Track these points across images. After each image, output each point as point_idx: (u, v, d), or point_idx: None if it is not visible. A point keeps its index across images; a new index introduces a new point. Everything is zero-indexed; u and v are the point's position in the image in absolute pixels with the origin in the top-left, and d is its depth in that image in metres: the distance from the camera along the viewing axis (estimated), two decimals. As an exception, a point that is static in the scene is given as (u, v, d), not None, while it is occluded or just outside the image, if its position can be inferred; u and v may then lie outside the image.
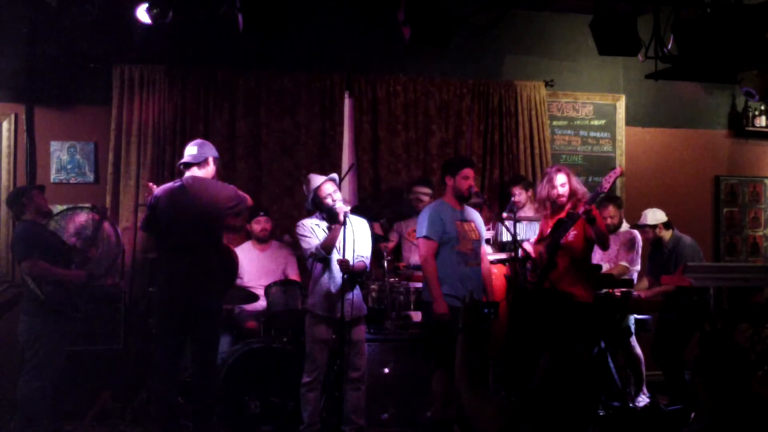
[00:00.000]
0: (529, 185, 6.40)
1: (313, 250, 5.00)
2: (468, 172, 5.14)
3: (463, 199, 5.16)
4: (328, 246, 4.98)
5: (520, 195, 6.26)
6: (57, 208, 5.79)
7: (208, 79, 6.51)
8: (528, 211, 6.25)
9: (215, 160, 5.09)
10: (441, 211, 5.11)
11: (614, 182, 5.16)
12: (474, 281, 5.07)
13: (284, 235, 6.37)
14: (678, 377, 5.82)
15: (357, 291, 5.14)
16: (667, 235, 6.07)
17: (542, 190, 5.31)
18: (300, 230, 5.12)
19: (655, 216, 6.09)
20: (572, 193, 5.20)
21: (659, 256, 6.10)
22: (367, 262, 5.19)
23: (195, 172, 5.00)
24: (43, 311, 5.07)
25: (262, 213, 6.20)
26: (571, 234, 5.11)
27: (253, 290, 5.94)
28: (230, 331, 5.83)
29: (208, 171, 5.04)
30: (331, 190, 5.06)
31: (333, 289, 5.01)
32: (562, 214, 5.22)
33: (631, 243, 6.13)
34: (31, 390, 5.06)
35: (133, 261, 6.22)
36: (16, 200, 5.32)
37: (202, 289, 4.81)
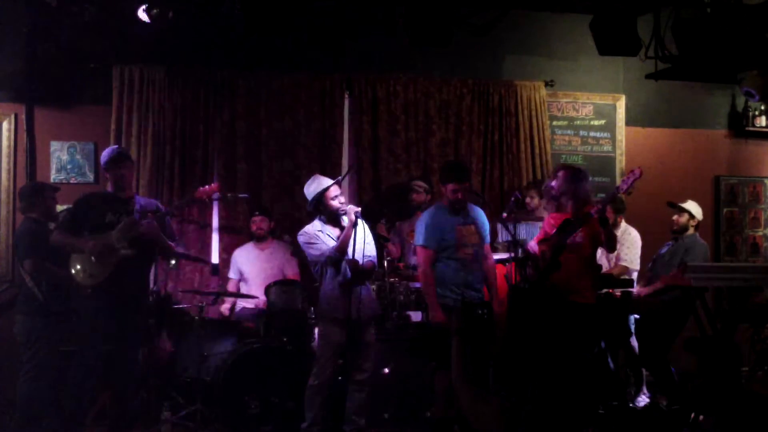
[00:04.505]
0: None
1: (328, 254, 4.94)
2: (454, 186, 5.06)
3: (456, 207, 5.13)
4: (343, 248, 4.91)
5: (532, 200, 6.25)
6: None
7: (208, 79, 6.51)
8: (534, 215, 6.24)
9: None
10: (439, 217, 5.08)
11: (632, 184, 5.03)
12: (475, 286, 5.06)
13: (284, 235, 6.36)
14: (666, 377, 5.80)
15: (368, 291, 5.13)
16: (692, 231, 6.06)
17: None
18: (305, 238, 5.04)
19: (698, 210, 6.06)
20: (569, 193, 5.20)
21: (668, 249, 6.07)
22: (375, 261, 5.20)
23: None
24: (41, 312, 5.09)
25: (257, 212, 6.22)
26: (579, 235, 5.10)
27: (254, 290, 5.95)
28: (230, 330, 5.83)
29: None
30: (338, 193, 5.06)
31: (345, 291, 4.95)
32: (569, 214, 5.20)
33: (630, 243, 6.13)
34: (30, 390, 5.08)
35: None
36: (30, 196, 5.31)
37: None
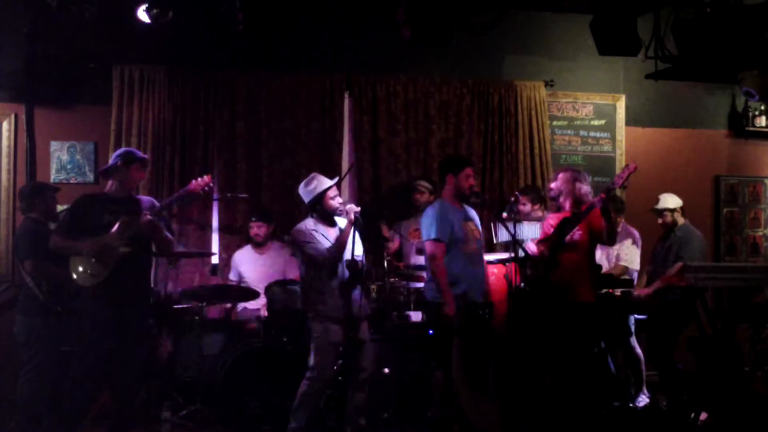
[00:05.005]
0: (540, 199, 6.32)
1: (326, 254, 4.94)
2: (470, 171, 5.13)
3: (464, 198, 5.14)
4: (342, 248, 4.92)
5: (525, 206, 6.25)
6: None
7: (208, 79, 6.51)
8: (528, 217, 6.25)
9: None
10: (447, 211, 5.06)
11: (627, 178, 5.09)
12: (480, 281, 5.06)
13: (284, 236, 6.36)
14: (671, 377, 5.81)
15: (358, 291, 5.14)
16: (681, 220, 6.05)
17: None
18: (301, 237, 5.01)
19: (674, 200, 6.06)
20: (567, 194, 5.23)
21: (664, 244, 6.07)
22: (364, 260, 5.20)
23: None
24: (41, 311, 5.09)
25: (254, 218, 6.18)
26: (576, 233, 5.11)
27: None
28: (230, 331, 5.83)
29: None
30: (336, 193, 5.07)
31: (343, 290, 4.96)
32: (567, 213, 5.21)
33: (630, 242, 6.13)
34: (30, 390, 5.09)
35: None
36: (30, 196, 5.32)
37: None
